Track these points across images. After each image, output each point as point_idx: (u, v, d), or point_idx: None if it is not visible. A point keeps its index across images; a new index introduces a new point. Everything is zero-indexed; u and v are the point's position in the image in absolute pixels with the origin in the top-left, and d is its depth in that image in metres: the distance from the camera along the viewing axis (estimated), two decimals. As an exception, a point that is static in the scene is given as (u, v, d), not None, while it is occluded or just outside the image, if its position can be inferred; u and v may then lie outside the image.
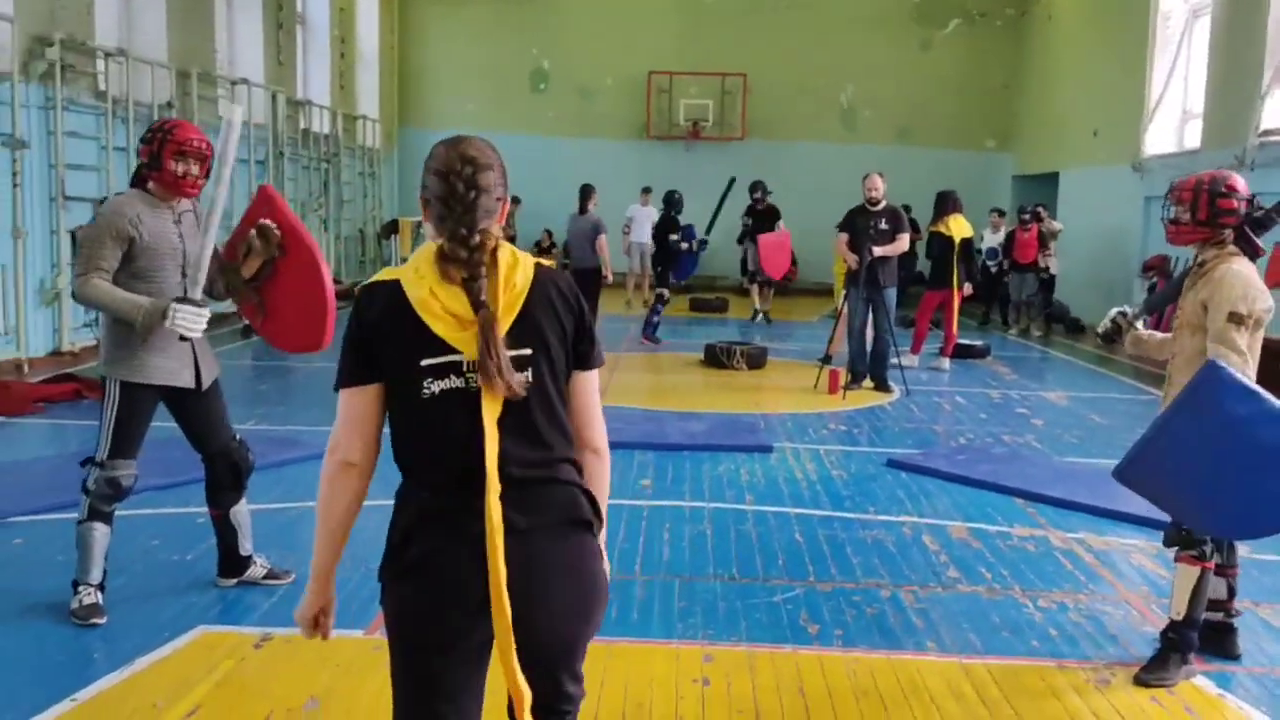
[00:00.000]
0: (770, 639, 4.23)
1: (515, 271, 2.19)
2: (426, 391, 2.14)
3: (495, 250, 2.17)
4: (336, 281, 18.61)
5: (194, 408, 4.31)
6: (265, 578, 4.62)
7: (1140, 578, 5.08)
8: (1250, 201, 3.89)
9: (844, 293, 10.33)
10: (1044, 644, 4.27)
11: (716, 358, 10.99)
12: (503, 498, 2.11)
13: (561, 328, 2.23)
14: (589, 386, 2.32)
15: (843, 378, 9.67)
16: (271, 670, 3.87)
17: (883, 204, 9.83)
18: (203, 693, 3.67)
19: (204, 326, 4.04)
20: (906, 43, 21.45)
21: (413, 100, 21.84)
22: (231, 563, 4.57)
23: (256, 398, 9.03)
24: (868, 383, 9.85)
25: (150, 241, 4.07)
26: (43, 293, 10.07)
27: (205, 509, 5.47)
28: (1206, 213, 3.86)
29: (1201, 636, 4.06)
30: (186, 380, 4.20)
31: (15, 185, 9.47)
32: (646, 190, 17.59)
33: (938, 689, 3.83)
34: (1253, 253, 3.87)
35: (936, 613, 4.55)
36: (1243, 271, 3.81)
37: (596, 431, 2.35)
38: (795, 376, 10.73)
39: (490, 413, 2.12)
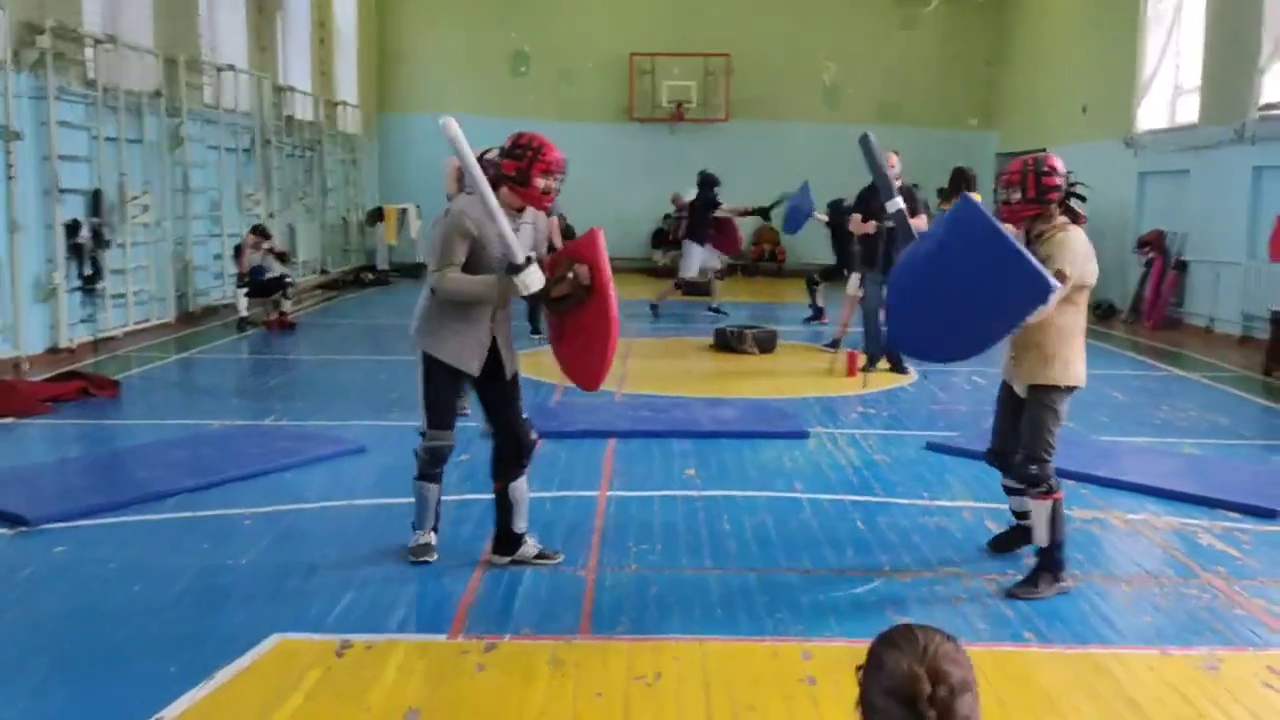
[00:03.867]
0: (864, 633, 4.04)
1: None
2: None
3: None
4: (324, 273, 18.40)
5: (490, 388, 4.71)
6: (537, 557, 4.79)
7: (1214, 558, 5.01)
8: (1067, 177, 4.47)
9: (857, 276, 10.22)
10: (1142, 631, 4.20)
11: (727, 342, 10.88)
12: None
13: None
14: None
15: (860, 360, 9.59)
16: (361, 680, 3.70)
17: (899, 183, 9.71)
18: (296, 705, 3.51)
19: (540, 278, 4.39)
20: (888, 21, 21.38)
21: (393, 85, 21.51)
22: (505, 540, 4.80)
23: (269, 393, 8.82)
24: (884, 364, 9.77)
25: (487, 245, 4.46)
26: (38, 289, 9.77)
27: (250, 509, 5.37)
28: (1035, 191, 4.41)
29: (1004, 539, 4.95)
30: (473, 369, 4.60)
31: (10, 178, 9.16)
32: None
33: (1053, 682, 3.74)
34: (1076, 220, 4.48)
35: (1025, 602, 4.45)
36: (1077, 238, 4.41)
37: None
38: (807, 360, 10.65)
39: None
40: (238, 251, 12.51)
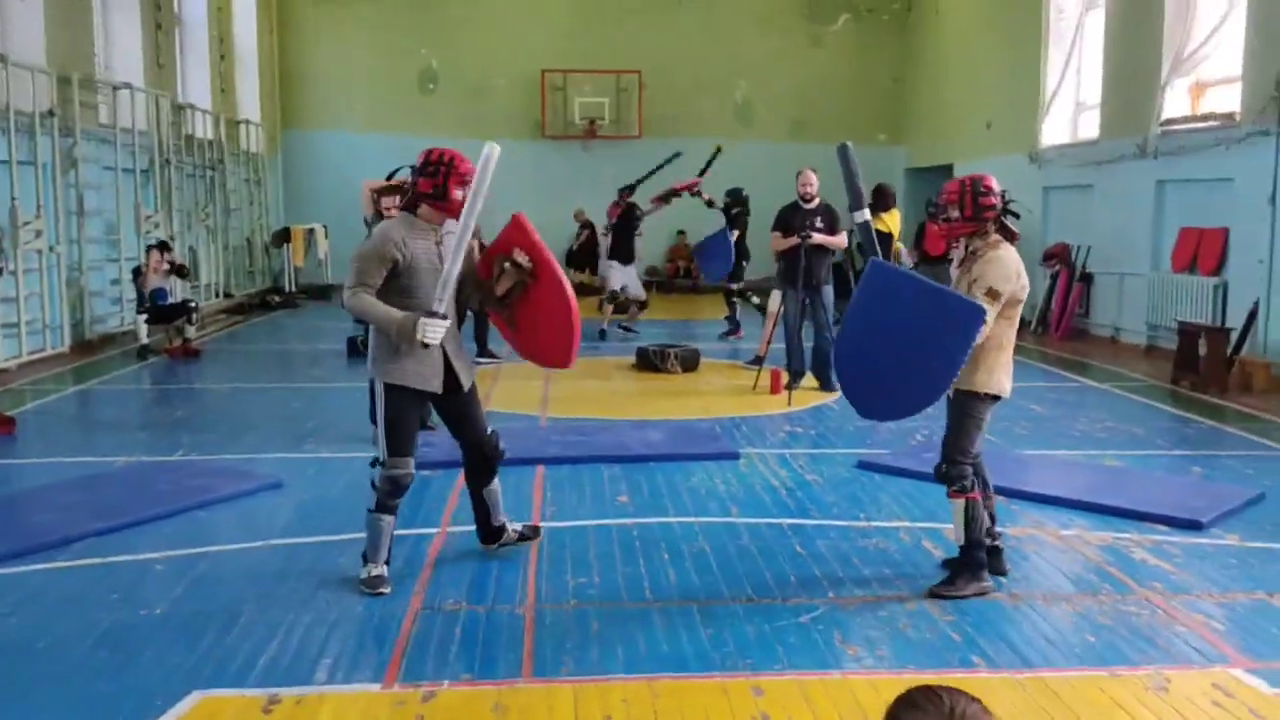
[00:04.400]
0: (814, 665, 4.02)
1: None
2: None
3: None
4: (228, 296, 17.86)
5: (452, 404, 4.86)
6: (520, 539, 5.16)
7: (1149, 573, 5.04)
8: (1002, 196, 4.63)
9: (779, 293, 10.21)
10: (1088, 652, 4.18)
11: (650, 361, 10.79)
12: None
13: None
14: None
15: (784, 378, 9.57)
16: (292, 739, 3.48)
17: (817, 201, 9.76)
18: (222, 772, 3.28)
19: (442, 335, 4.50)
20: (797, 38, 21.62)
21: (296, 102, 21.02)
22: (487, 532, 5.15)
23: (176, 426, 8.41)
24: (809, 381, 9.77)
25: (413, 262, 4.59)
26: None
27: (162, 553, 5.16)
28: (971, 210, 4.58)
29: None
30: (436, 386, 4.71)
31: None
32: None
33: (1006, 709, 3.68)
34: (1011, 238, 4.66)
35: (969, 624, 4.41)
36: (1009, 257, 4.58)
37: None
38: (730, 378, 10.59)
39: None
40: (137, 274, 12.01)
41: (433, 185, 4.57)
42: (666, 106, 21.16)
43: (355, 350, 11.04)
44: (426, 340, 4.46)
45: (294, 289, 18.83)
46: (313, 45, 20.92)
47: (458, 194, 4.55)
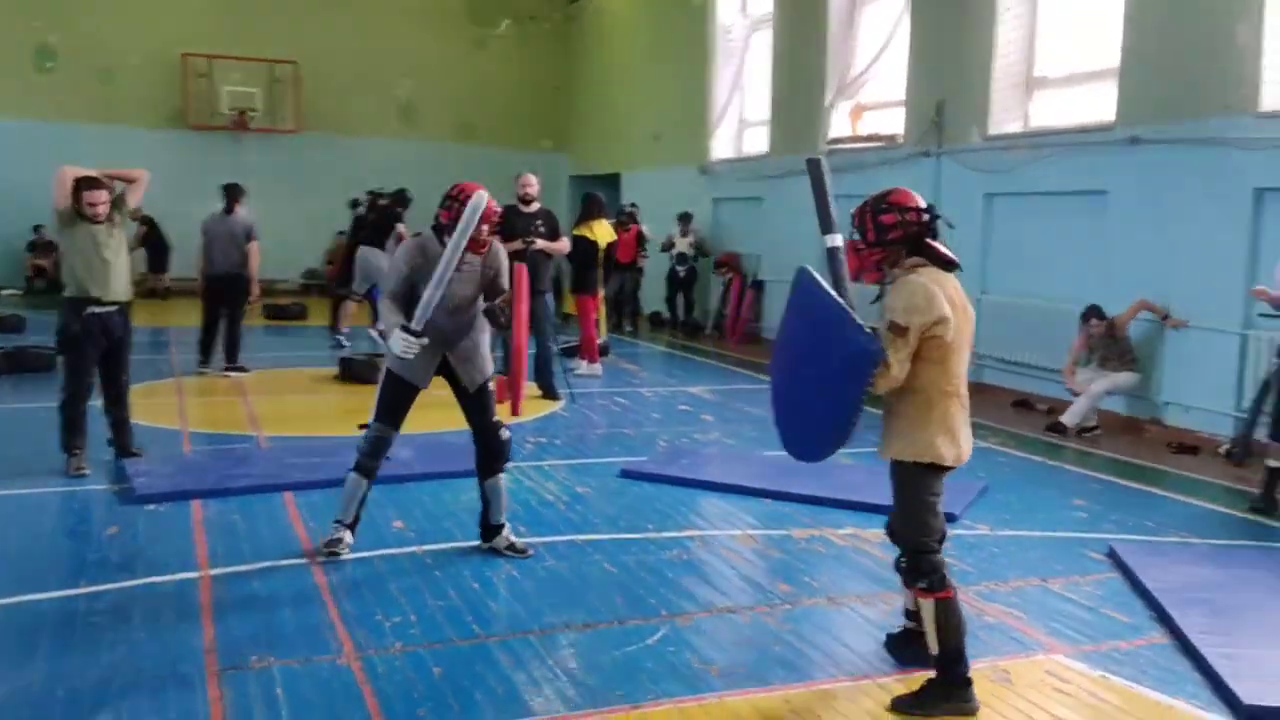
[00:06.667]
0: (685, 690, 3.86)
1: None
2: None
3: None
4: None
5: (463, 399, 5.36)
6: (506, 549, 5.29)
7: (934, 567, 5.33)
8: (923, 211, 3.76)
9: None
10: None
11: (357, 372, 10.11)
12: None
13: None
14: None
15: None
16: None
17: (536, 204, 9.59)
18: None
19: (415, 351, 4.92)
20: (462, 40, 21.31)
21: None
22: (485, 529, 5.38)
23: None
24: (534, 390, 9.58)
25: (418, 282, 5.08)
26: None
27: None
28: (873, 233, 3.78)
29: (898, 641, 4.12)
30: (421, 383, 5.23)
31: None
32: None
33: (880, 715, 3.72)
34: (943, 262, 3.74)
35: (807, 631, 4.44)
36: (917, 283, 3.66)
37: None
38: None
39: None
40: None
41: (450, 218, 5.06)
42: (326, 101, 20.13)
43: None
44: (395, 350, 4.93)
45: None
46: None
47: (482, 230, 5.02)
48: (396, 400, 5.21)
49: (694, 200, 16.22)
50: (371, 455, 5.17)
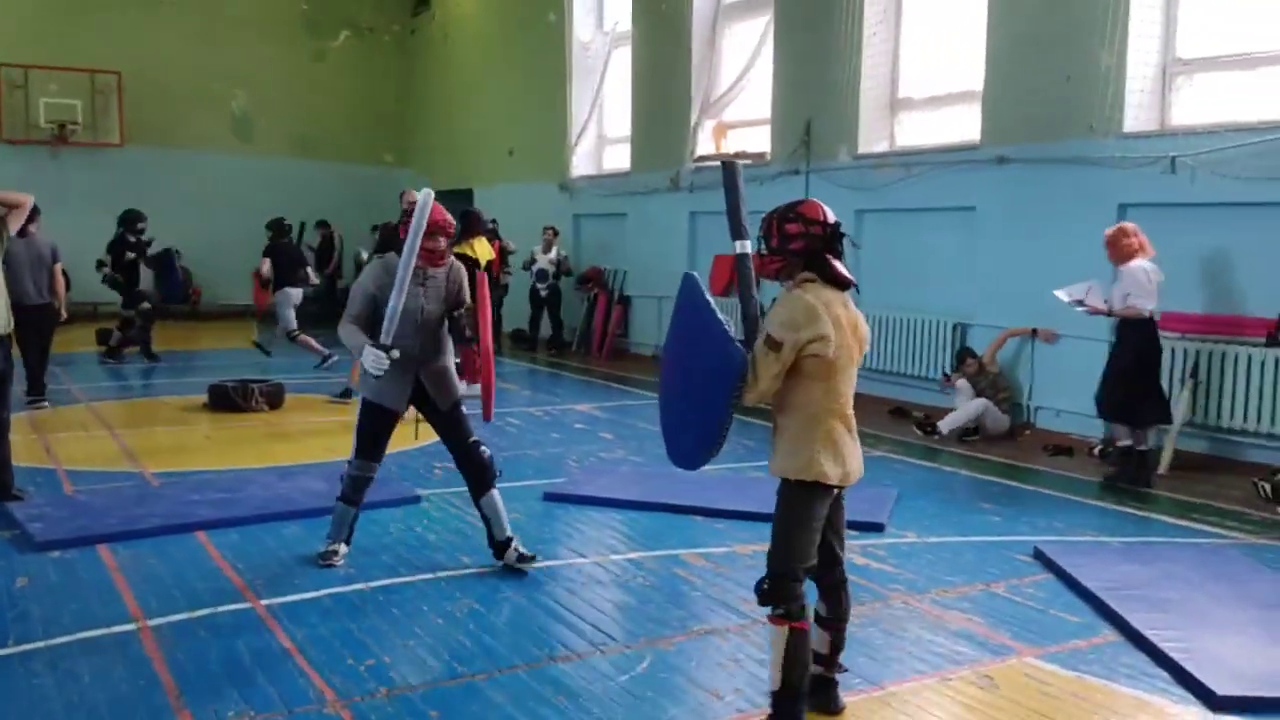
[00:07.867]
0: (693, 717, 3.81)
1: None
2: None
3: None
4: None
5: (436, 421, 5.41)
6: (518, 561, 5.32)
7: (884, 578, 5.43)
8: (827, 226, 3.66)
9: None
10: (907, 661, 4.38)
11: (229, 399, 9.60)
12: None
13: None
14: None
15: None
16: None
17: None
18: None
19: (386, 365, 4.94)
20: (299, 52, 20.65)
21: None
22: (494, 546, 5.41)
23: None
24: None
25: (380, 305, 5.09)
26: None
27: None
28: (778, 239, 3.71)
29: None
30: (401, 407, 5.28)
31: None
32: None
33: (899, 729, 3.77)
34: (835, 279, 3.66)
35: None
36: (800, 299, 3.58)
37: None
38: (325, 414, 9.78)
39: None
40: None
41: (405, 231, 4.99)
42: (154, 113, 19.11)
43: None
44: (366, 368, 4.93)
45: None
46: None
47: (428, 243, 5.01)
48: (375, 431, 5.28)
49: (555, 217, 16.12)
50: (355, 491, 5.35)
